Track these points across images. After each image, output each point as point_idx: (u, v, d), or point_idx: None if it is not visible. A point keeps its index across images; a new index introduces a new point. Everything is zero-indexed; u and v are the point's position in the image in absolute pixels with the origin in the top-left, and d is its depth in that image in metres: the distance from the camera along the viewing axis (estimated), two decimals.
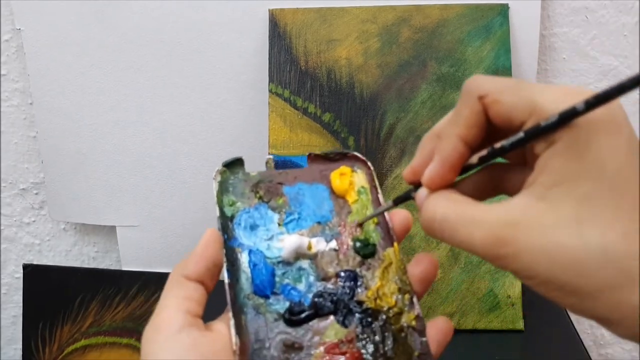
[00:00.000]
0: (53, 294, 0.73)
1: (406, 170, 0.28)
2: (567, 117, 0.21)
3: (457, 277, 0.55)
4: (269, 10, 0.59)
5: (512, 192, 0.27)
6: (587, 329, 0.74)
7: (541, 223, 0.22)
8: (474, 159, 0.26)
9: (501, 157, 0.25)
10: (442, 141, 0.25)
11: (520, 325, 0.54)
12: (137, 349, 0.71)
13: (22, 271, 0.74)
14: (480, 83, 0.25)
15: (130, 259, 0.72)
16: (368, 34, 0.58)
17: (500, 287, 0.54)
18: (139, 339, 0.71)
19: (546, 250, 0.22)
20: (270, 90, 0.58)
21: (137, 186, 0.69)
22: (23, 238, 0.78)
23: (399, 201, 0.31)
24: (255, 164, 0.66)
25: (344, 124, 0.57)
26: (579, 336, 0.53)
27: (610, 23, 0.61)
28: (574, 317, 0.72)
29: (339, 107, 0.57)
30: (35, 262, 0.78)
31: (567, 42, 0.62)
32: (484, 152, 0.25)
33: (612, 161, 0.21)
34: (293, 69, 0.58)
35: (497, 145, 0.24)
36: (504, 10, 0.57)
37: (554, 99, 0.22)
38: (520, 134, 0.23)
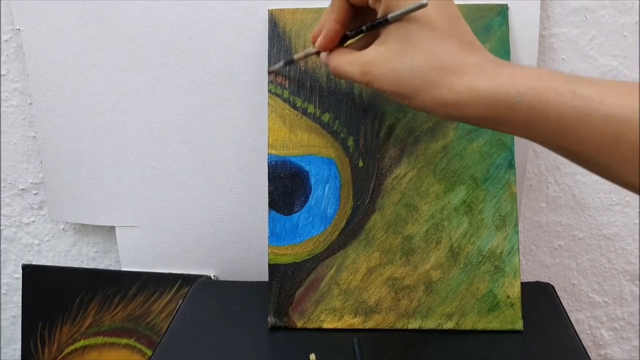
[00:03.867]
0: (53, 294, 0.73)
1: (312, 34, 0.44)
2: (390, 20, 0.36)
3: (456, 277, 0.55)
4: (268, 10, 0.59)
5: None
6: (586, 329, 0.74)
7: (383, 59, 0.37)
8: (352, 32, 0.41)
9: (366, 32, 0.40)
10: (326, 22, 0.41)
11: (519, 325, 0.54)
12: (136, 349, 0.71)
13: (21, 271, 0.74)
14: None
15: (130, 259, 0.72)
16: None
17: (500, 287, 0.54)
18: (138, 339, 0.71)
19: (387, 74, 0.36)
20: (269, 91, 0.58)
21: (137, 186, 0.69)
22: (22, 238, 0.78)
23: (302, 56, 0.49)
24: (256, 164, 0.67)
25: (344, 124, 0.57)
26: (578, 336, 0.53)
27: (610, 23, 0.61)
28: (573, 318, 0.72)
29: (339, 107, 0.57)
30: (34, 263, 0.78)
31: (566, 42, 0.62)
32: (354, 31, 0.41)
33: (414, 27, 0.36)
34: (293, 69, 0.58)
35: (363, 27, 0.40)
36: (503, 10, 0.57)
37: None
38: (367, 25, 0.39)
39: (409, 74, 0.35)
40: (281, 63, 0.54)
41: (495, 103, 0.33)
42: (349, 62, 0.39)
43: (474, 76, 0.34)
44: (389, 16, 0.36)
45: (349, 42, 0.43)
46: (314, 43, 0.44)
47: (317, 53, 0.44)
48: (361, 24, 0.40)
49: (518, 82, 0.33)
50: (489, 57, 0.35)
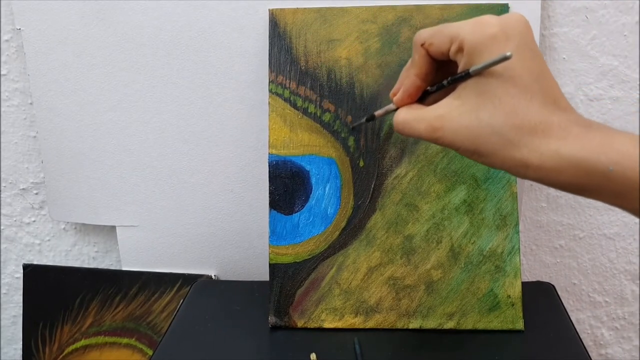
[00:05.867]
0: (53, 294, 0.73)
1: (392, 91, 0.40)
2: (469, 75, 0.34)
3: (457, 277, 0.55)
4: (269, 10, 0.59)
5: None
6: (587, 329, 0.74)
7: (456, 114, 0.34)
8: (434, 87, 0.38)
9: (447, 86, 0.37)
10: (406, 79, 0.38)
11: (520, 325, 0.54)
12: (137, 349, 0.71)
13: (22, 271, 0.74)
14: (420, 35, 0.37)
15: (130, 259, 0.72)
16: (368, 34, 0.58)
17: (500, 287, 0.54)
18: (139, 339, 0.71)
19: (460, 130, 0.34)
20: (270, 90, 0.58)
21: (137, 186, 0.69)
22: (23, 238, 0.78)
23: (383, 113, 0.44)
24: (256, 164, 0.67)
25: (344, 124, 0.57)
26: (578, 336, 0.53)
27: (610, 23, 0.61)
28: (574, 317, 0.72)
29: (340, 107, 0.57)
30: (35, 262, 0.78)
31: (567, 42, 0.62)
32: (435, 86, 0.38)
33: (495, 82, 0.33)
34: (293, 69, 0.58)
35: (444, 81, 0.37)
36: (504, 10, 0.57)
37: (463, 30, 0.34)
38: (448, 79, 0.36)
39: (487, 132, 0.33)
40: (363, 120, 0.51)
41: (584, 171, 0.31)
42: (417, 118, 0.36)
43: (560, 139, 0.31)
44: (471, 70, 0.33)
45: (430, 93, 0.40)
46: (393, 99, 0.41)
47: (392, 110, 0.42)
48: (442, 77, 0.37)
49: (610, 148, 0.30)
50: (574, 117, 0.32)
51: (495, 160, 0.33)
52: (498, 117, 0.32)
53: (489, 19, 0.34)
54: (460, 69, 0.34)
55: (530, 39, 0.34)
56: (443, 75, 0.37)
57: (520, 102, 0.32)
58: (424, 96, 0.39)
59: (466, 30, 0.34)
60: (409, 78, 0.38)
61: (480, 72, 0.33)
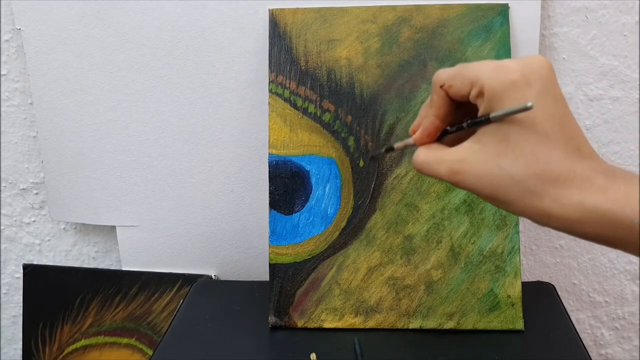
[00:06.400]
0: (53, 294, 0.73)
1: (412, 127, 0.40)
2: (488, 120, 0.34)
3: (457, 277, 0.55)
4: (269, 10, 0.59)
5: None
6: (587, 329, 0.74)
7: (476, 159, 0.34)
8: (453, 128, 0.38)
9: (466, 129, 0.37)
10: (425, 118, 0.38)
11: (520, 325, 0.54)
12: (137, 349, 0.71)
13: (22, 271, 0.74)
14: (439, 76, 0.36)
15: (130, 258, 0.72)
16: (368, 34, 0.58)
17: (501, 286, 0.54)
18: (139, 339, 0.71)
19: (480, 177, 0.33)
20: (270, 90, 0.58)
21: (137, 186, 0.69)
22: (23, 238, 0.78)
23: (402, 146, 0.43)
24: (256, 164, 0.67)
25: (344, 124, 0.57)
26: (578, 336, 0.53)
27: (610, 23, 0.61)
28: (574, 317, 0.72)
29: (340, 107, 0.57)
30: (35, 262, 0.78)
31: (567, 42, 0.62)
32: (455, 127, 0.37)
33: (516, 129, 0.33)
34: (293, 69, 0.58)
35: (464, 124, 0.36)
36: (504, 10, 0.57)
37: (483, 74, 0.33)
38: (468, 122, 0.35)
39: (507, 181, 0.32)
40: (382, 150, 0.51)
41: (609, 223, 0.30)
42: (438, 160, 0.36)
43: (583, 190, 0.31)
44: (492, 115, 0.33)
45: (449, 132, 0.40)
46: (412, 135, 0.41)
47: (410, 145, 0.42)
48: (461, 118, 0.37)
49: (634, 199, 0.30)
50: (596, 165, 0.32)
51: (516, 209, 0.33)
52: (519, 167, 0.32)
53: (509, 63, 0.33)
54: (480, 112, 0.34)
55: (552, 84, 0.33)
56: (462, 113, 0.37)
57: (541, 151, 0.32)
58: (443, 134, 0.38)
59: (486, 74, 0.33)
60: (427, 118, 0.38)
61: (500, 119, 0.33)
